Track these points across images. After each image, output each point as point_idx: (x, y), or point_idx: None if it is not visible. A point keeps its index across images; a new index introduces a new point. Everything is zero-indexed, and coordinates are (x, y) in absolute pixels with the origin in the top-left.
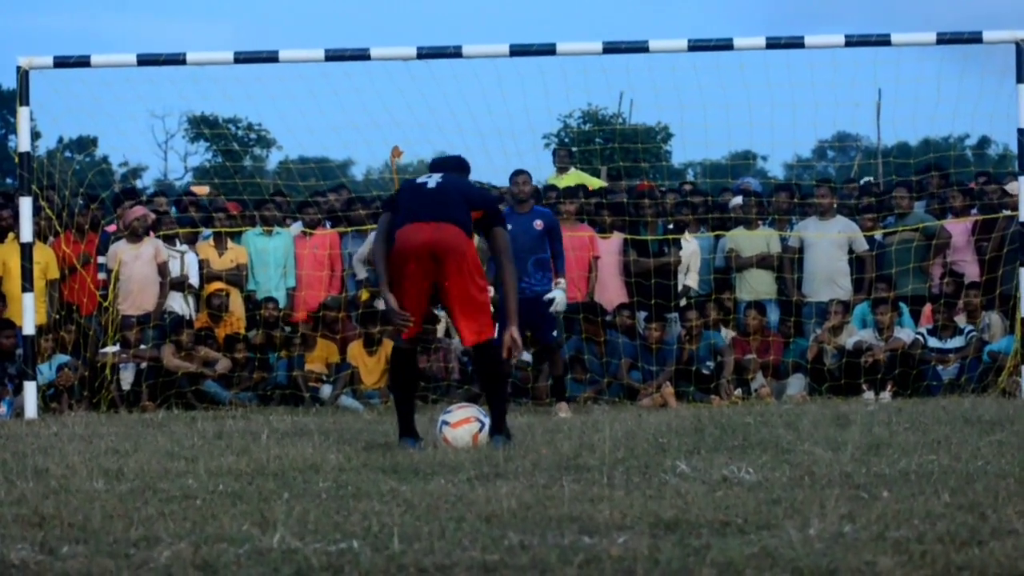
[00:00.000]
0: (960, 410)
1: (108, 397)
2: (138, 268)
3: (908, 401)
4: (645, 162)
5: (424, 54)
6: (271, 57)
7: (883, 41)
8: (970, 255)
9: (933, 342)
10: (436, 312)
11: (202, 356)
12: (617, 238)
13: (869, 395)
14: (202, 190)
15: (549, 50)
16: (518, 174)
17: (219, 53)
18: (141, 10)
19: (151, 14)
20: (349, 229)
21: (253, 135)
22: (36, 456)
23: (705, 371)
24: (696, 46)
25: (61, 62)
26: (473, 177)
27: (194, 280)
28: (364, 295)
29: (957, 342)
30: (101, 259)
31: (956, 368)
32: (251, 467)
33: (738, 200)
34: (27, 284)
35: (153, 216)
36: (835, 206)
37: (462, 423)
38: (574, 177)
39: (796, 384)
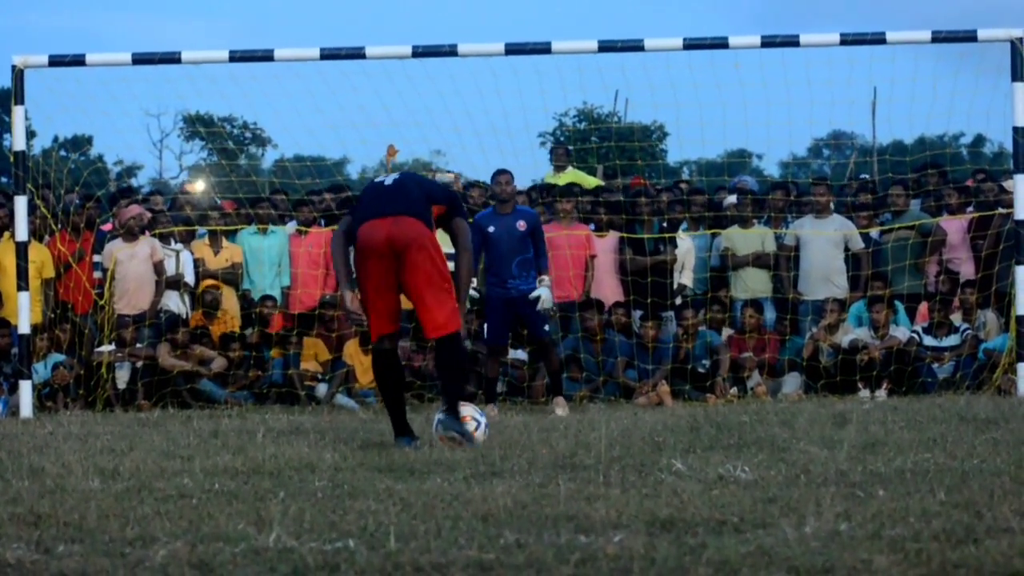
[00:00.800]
0: (955, 408)
1: (104, 396)
2: (134, 267)
3: (903, 399)
4: (640, 160)
5: (420, 53)
6: (266, 56)
7: (878, 40)
8: (966, 253)
9: (929, 340)
10: None
11: (197, 355)
12: (613, 236)
13: (865, 393)
14: (195, 187)
15: (544, 49)
16: (500, 174)
17: (214, 52)
18: (136, 9)
19: (146, 13)
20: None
21: (249, 134)
22: (32, 455)
23: (701, 370)
24: (691, 45)
25: (56, 61)
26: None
27: (190, 279)
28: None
29: (952, 340)
30: (97, 258)
31: (951, 366)
32: (247, 466)
33: (732, 199)
34: (22, 283)
35: (149, 215)
36: (832, 204)
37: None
38: (571, 176)
39: (792, 383)
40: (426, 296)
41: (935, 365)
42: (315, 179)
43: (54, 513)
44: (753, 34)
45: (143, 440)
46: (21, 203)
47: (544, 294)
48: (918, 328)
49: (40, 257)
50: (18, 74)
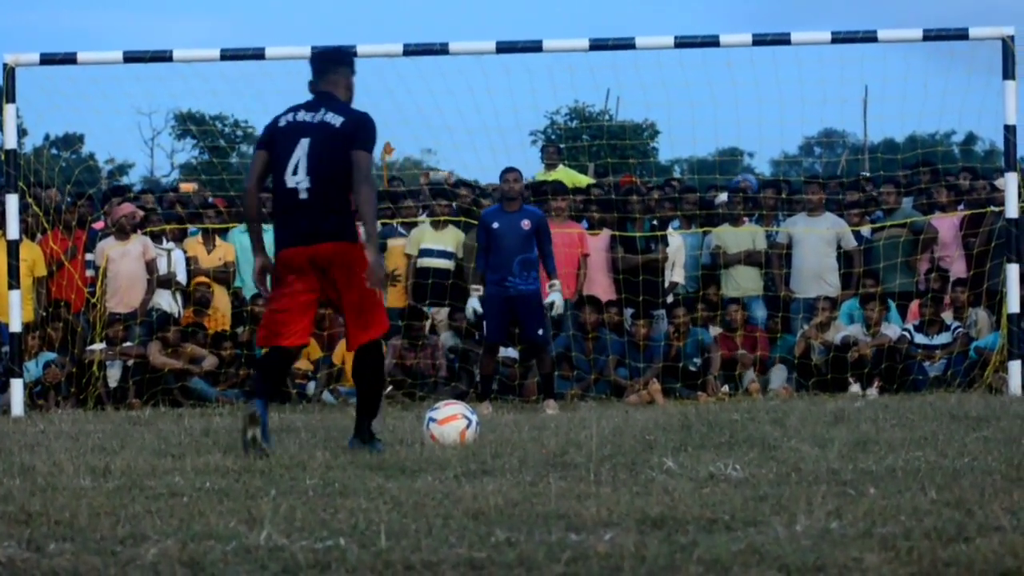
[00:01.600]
0: (946, 406)
1: (95, 394)
2: (125, 265)
3: (895, 397)
4: (632, 159)
5: (411, 51)
6: (257, 54)
7: (869, 38)
8: (957, 251)
9: (920, 338)
10: (424, 309)
11: (189, 353)
12: (605, 234)
13: (856, 389)
14: (189, 187)
15: (536, 47)
16: (508, 171)
17: (205, 50)
18: (128, 7)
19: (138, 11)
20: None
21: (240, 132)
22: (23, 453)
23: (692, 368)
24: (683, 43)
25: (47, 59)
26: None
27: (181, 277)
28: None
29: (944, 338)
30: (89, 256)
31: (943, 364)
32: (238, 464)
33: (724, 197)
34: (14, 281)
35: (141, 213)
36: (824, 202)
37: (449, 420)
38: (562, 174)
39: (778, 376)
40: (355, 310)
41: (926, 363)
42: None
43: (45, 511)
44: (744, 32)
45: (134, 438)
46: (12, 201)
47: (557, 300)
48: (909, 326)
49: (32, 256)
50: (9, 72)
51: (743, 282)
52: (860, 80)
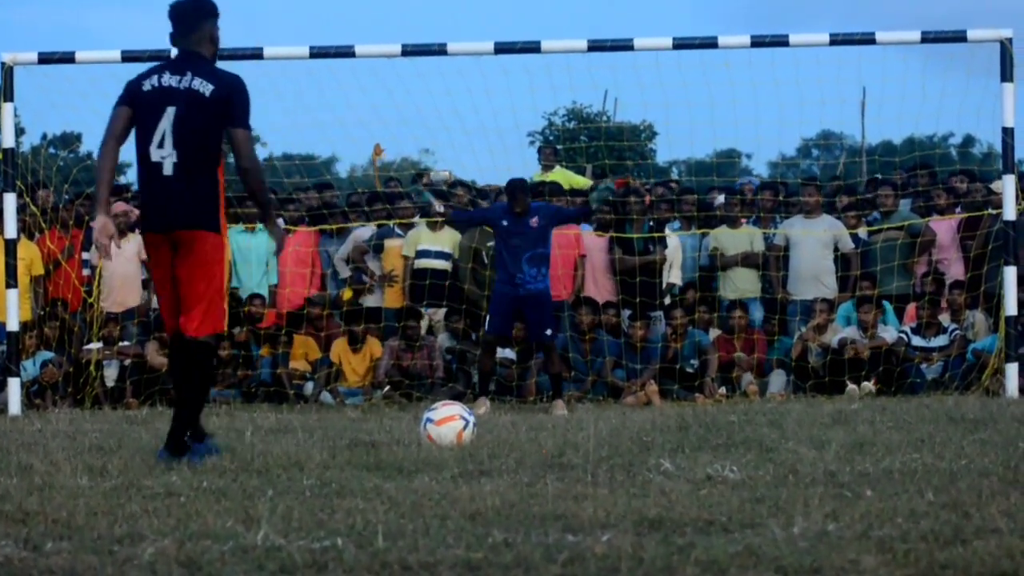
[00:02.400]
0: (944, 408)
1: (92, 394)
2: (120, 265)
3: (892, 399)
4: (630, 160)
5: (409, 51)
6: (255, 54)
7: (868, 40)
8: (955, 253)
9: (917, 340)
10: (420, 310)
11: None
12: (605, 236)
13: (852, 388)
14: None
15: (534, 48)
16: (517, 191)
17: None
18: (126, 5)
19: (137, 9)
20: (331, 227)
21: None
22: (20, 452)
23: (689, 369)
24: (681, 44)
25: (45, 58)
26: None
27: None
28: (347, 293)
29: (941, 340)
30: (86, 255)
31: (940, 366)
32: (235, 464)
33: (722, 199)
34: (11, 280)
35: (136, 212)
36: (821, 204)
37: (446, 421)
38: (559, 175)
39: (777, 381)
40: (191, 294)
41: (924, 365)
42: (303, 178)
43: (42, 510)
44: (743, 33)
45: (131, 438)
46: (10, 200)
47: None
48: (907, 328)
49: (29, 255)
50: (7, 71)
51: (741, 284)
52: (858, 82)
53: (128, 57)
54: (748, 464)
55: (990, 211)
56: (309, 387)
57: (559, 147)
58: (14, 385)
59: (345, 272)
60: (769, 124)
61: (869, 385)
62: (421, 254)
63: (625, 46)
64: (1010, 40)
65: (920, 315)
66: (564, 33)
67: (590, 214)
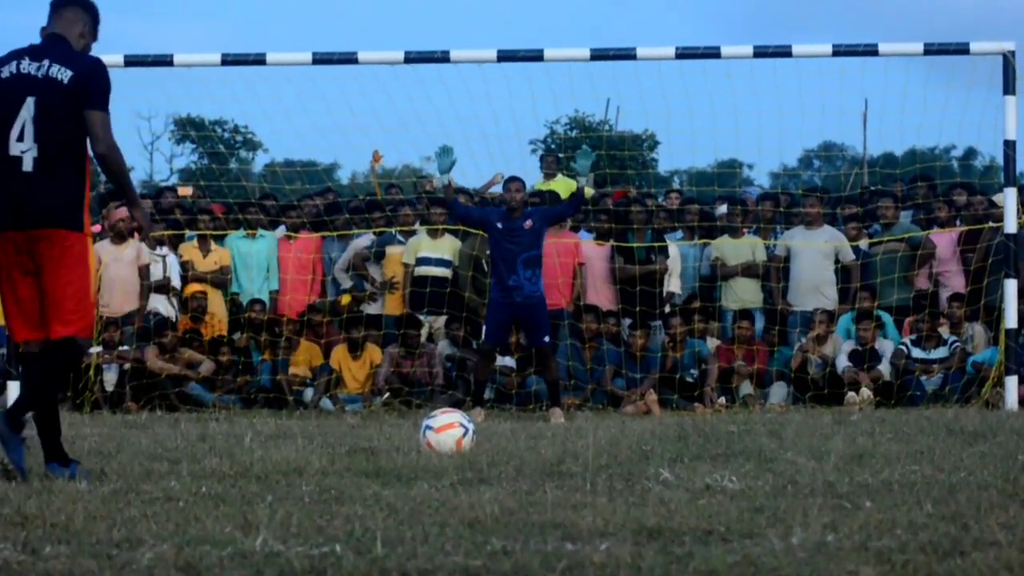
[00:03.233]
0: (943, 420)
1: (91, 398)
2: (119, 270)
3: (891, 411)
4: (631, 169)
5: (412, 58)
6: (258, 60)
7: (870, 51)
8: (956, 266)
9: (917, 352)
10: (420, 317)
11: (186, 358)
12: (608, 245)
13: (851, 395)
14: (186, 191)
15: (537, 56)
16: (512, 181)
17: (206, 55)
18: (127, 10)
19: (138, 15)
20: (333, 233)
21: (239, 137)
22: None
23: (689, 379)
24: (684, 54)
25: None
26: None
27: (177, 282)
28: (346, 299)
29: (941, 352)
30: None
31: (940, 379)
32: (234, 470)
33: (723, 209)
34: None
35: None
36: (822, 215)
37: (446, 428)
38: (560, 184)
39: (778, 393)
40: (57, 297)
41: (923, 377)
42: (305, 184)
43: (41, 514)
44: (745, 43)
45: (130, 442)
46: None
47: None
48: (907, 340)
49: None
50: None
51: (743, 294)
52: (860, 93)
53: (130, 61)
54: (747, 474)
55: (990, 224)
56: (309, 393)
57: (561, 155)
58: (14, 388)
59: (346, 282)
60: (771, 134)
61: (868, 392)
62: (421, 261)
63: (628, 55)
64: (1013, 53)
65: (919, 327)
66: (567, 42)
67: (580, 202)
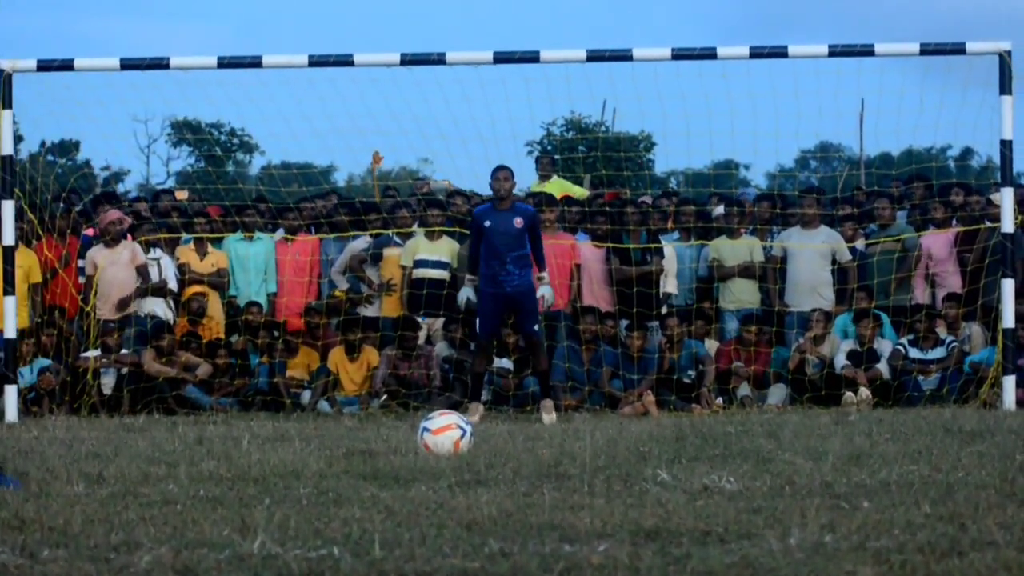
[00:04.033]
0: (941, 421)
1: (89, 402)
2: (115, 272)
3: (889, 411)
4: (627, 171)
5: (408, 61)
6: (255, 63)
7: (866, 51)
8: (952, 266)
9: (914, 352)
10: (418, 319)
11: (183, 361)
12: (602, 246)
13: (849, 394)
14: (182, 195)
15: (533, 58)
16: (499, 170)
17: (203, 58)
18: (124, 12)
19: (135, 17)
20: (331, 235)
21: (236, 140)
22: (16, 460)
23: (687, 380)
24: (680, 55)
25: (44, 65)
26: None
27: (173, 285)
28: (339, 293)
29: (938, 353)
30: (81, 263)
31: (937, 379)
32: (232, 473)
33: (720, 209)
34: (8, 288)
35: (129, 220)
36: (819, 216)
37: (443, 430)
38: (556, 185)
39: (777, 394)
40: None
41: (921, 377)
42: (302, 187)
43: (39, 518)
44: (741, 44)
45: (128, 446)
46: (8, 208)
47: (547, 292)
48: (904, 341)
49: (27, 262)
50: (6, 78)
51: (740, 295)
52: (857, 93)
53: (127, 65)
54: (745, 475)
55: (987, 224)
56: (307, 396)
57: (557, 157)
58: (11, 392)
59: (342, 284)
60: (767, 135)
61: (866, 392)
62: (419, 264)
63: (624, 56)
64: (1009, 53)
65: (916, 328)
66: (563, 43)
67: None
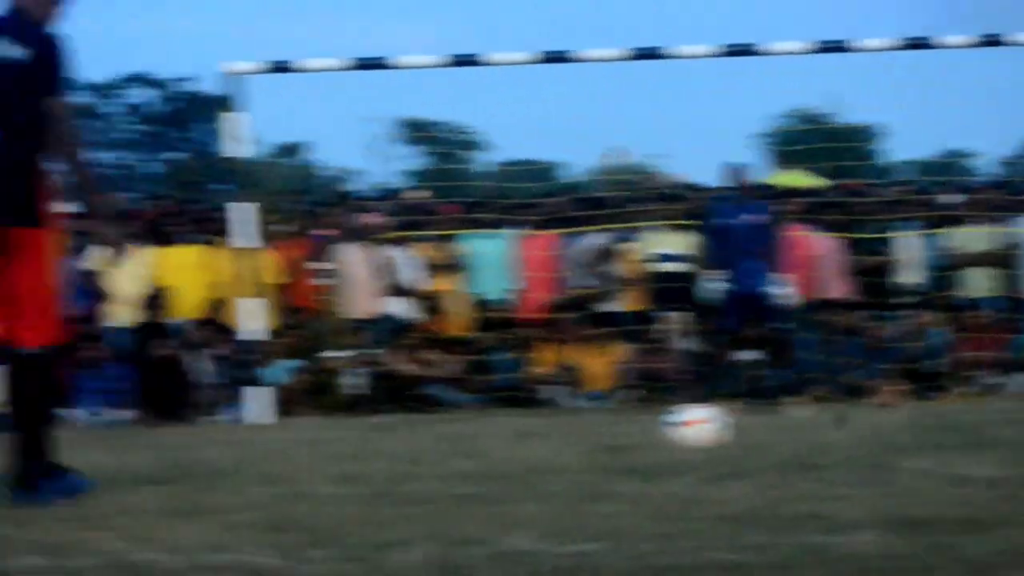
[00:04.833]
0: None
1: (335, 401)
2: (359, 271)
3: None
4: (860, 160)
5: (636, 56)
6: (480, 60)
7: None
8: None
9: None
10: (658, 313)
11: (427, 359)
12: (838, 237)
13: None
14: (420, 194)
15: (761, 51)
16: (738, 169)
17: (429, 57)
18: (353, 13)
19: (364, 16)
20: (569, 230)
21: (465, 137)
22: (267, 460)
23: (928, 369)
24: (912, 44)
25: (277, 67)
26: (690, 177)
27: (412, 283)
28: (584, 293)
29: None
30: (316, 264)
31: None
32: (483, 469)
33: (957, 198)
34: (253, 289)
35: (381, 221)
36: None
37: (696, 423)
38: (791, 177)
39: (1019, 381)
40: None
41: None
42: (532, 183)
43: (297, 518)
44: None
45: (377, 445)
46: (249, 209)
47: (785, 285)
48: None
49: (270, 263)
50: (238, 81)
51: (979, 282)
52: None
53: (362, 64)
54: (1000, 463)
55: None
56: (552, 391)
57: (787, 149)
58: (260, 393)
59: (582, 279)
60: (994, 123)
61: None
62: (658, 258)
63: (846, 48)
64: None
65: None
66: (788, 35)
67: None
